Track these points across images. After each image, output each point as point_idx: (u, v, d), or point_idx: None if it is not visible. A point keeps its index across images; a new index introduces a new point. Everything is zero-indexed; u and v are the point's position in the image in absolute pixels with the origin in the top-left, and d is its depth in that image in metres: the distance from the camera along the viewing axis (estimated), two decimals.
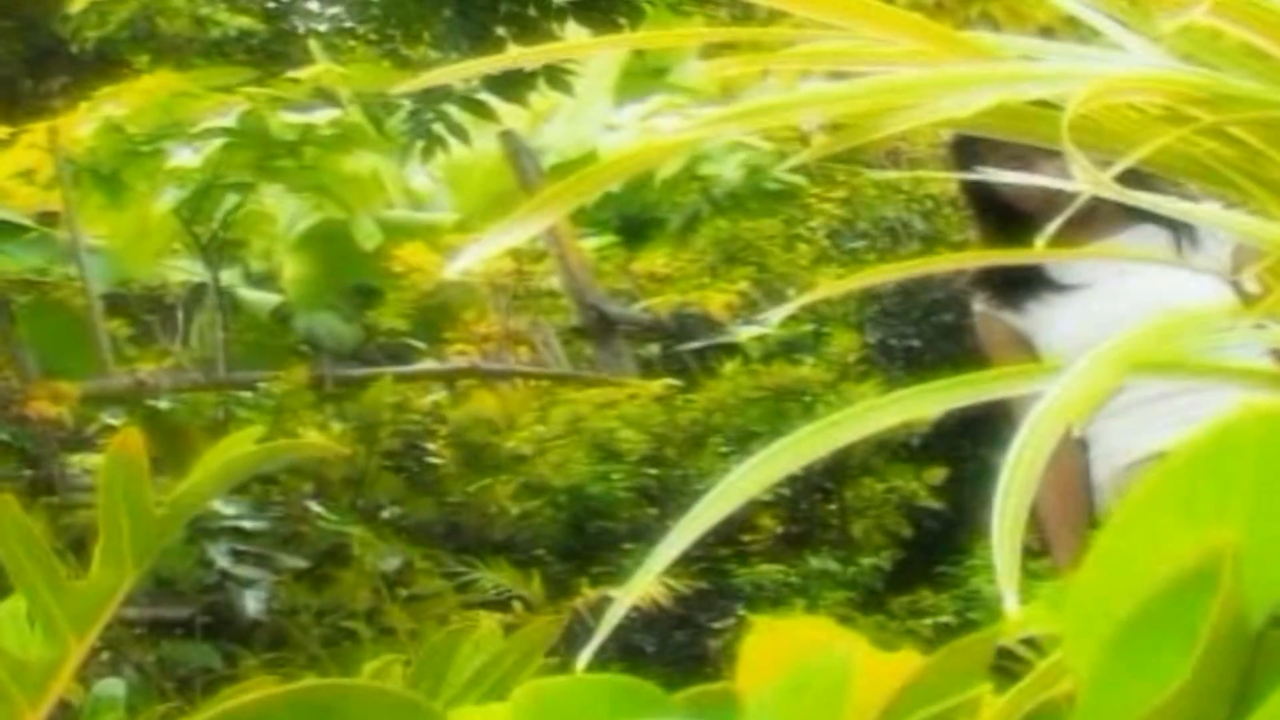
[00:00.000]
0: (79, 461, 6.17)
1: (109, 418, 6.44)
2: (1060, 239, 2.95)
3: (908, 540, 5.89)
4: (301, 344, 7.25)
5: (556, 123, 8.18)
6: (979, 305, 3.59)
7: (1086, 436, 3.42)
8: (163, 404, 6.33)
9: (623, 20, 5.73)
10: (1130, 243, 3.39)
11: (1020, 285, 3.46)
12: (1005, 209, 3.39)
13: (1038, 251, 2.39)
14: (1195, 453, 0.71)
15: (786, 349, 6.50)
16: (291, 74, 7.55)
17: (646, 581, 1.11)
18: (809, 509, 6.01)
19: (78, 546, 4.73)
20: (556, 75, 5.88)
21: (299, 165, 7.06)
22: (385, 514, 6.13)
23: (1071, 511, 3.43)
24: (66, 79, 7.19)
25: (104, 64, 7.19)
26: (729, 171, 7.88)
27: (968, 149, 3.30)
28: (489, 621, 2.68)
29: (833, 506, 6.05)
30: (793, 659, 0.80)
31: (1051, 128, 1.13)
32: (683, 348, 6.80)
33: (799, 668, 0.77)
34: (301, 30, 9.89)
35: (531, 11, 5.66)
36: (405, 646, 4.98)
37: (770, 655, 0.84)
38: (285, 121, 7.04)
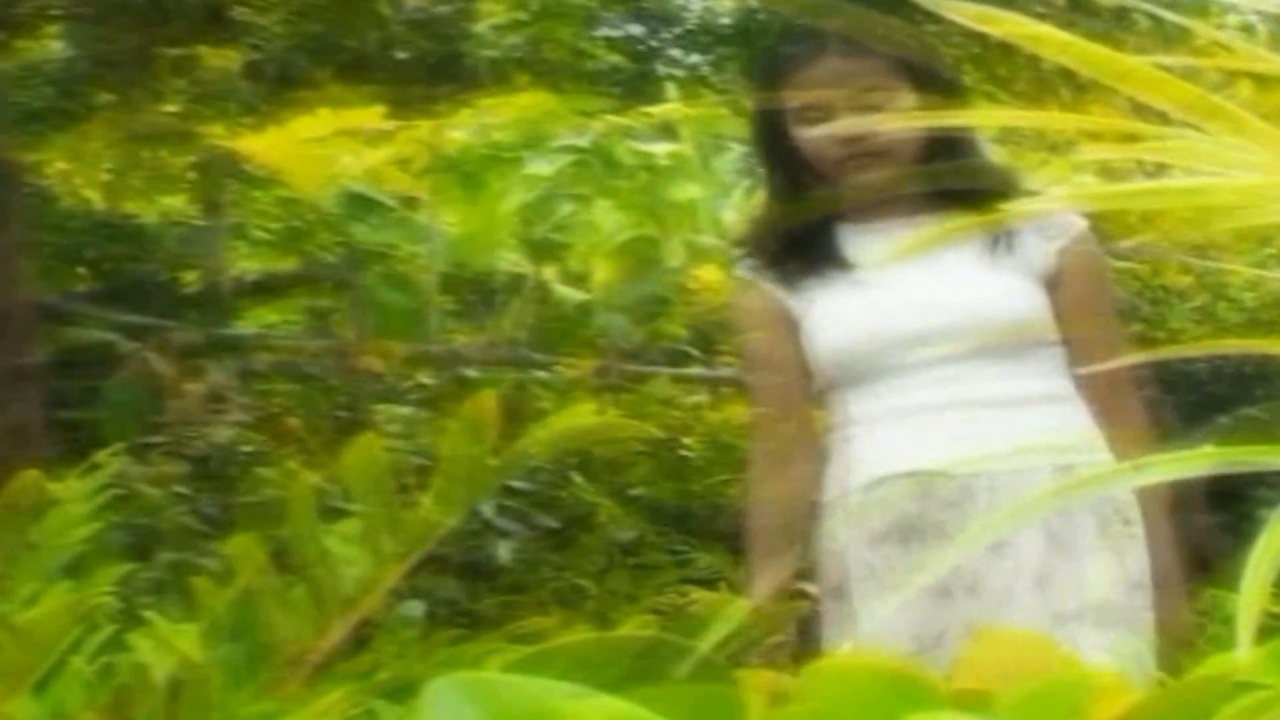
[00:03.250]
0: (385, 410, 6.65)
1: (422, 378, 6.94)
2: (864, 215, 2.73)
3: None
4: (596, 338, 7.60)
5: None
6: (743, 270, 2.85)
7: (828, 445, 2.76)
8: (470, 372, 6.84)
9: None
10: (940, 225, 2.66)
11: (803, 259, 2.78)
12: (802, 167, 2.75)
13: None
14: None
15: None
16: (645, 109, 7.97)
17: None
18: None
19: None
20: None
21: (632, 187, 7.69)
22: (632, 492, 6.52)
23: (777, 533, 2.74)
24: (454, 87, 7.69)
25: (489, 79, 7.69)
26: None
27: (771, 100, 2.78)
28: (724, 599, 2.97)
29: None
30: (1016, 668, 0.82)
31: None
32: None
33: (1046, 679, 0.76)
34: (661, 72, 10.36)
35: None
36: (624, 606, 5.50)
37: (991, 662, 0.85)
38: (631, 149, 7.70)
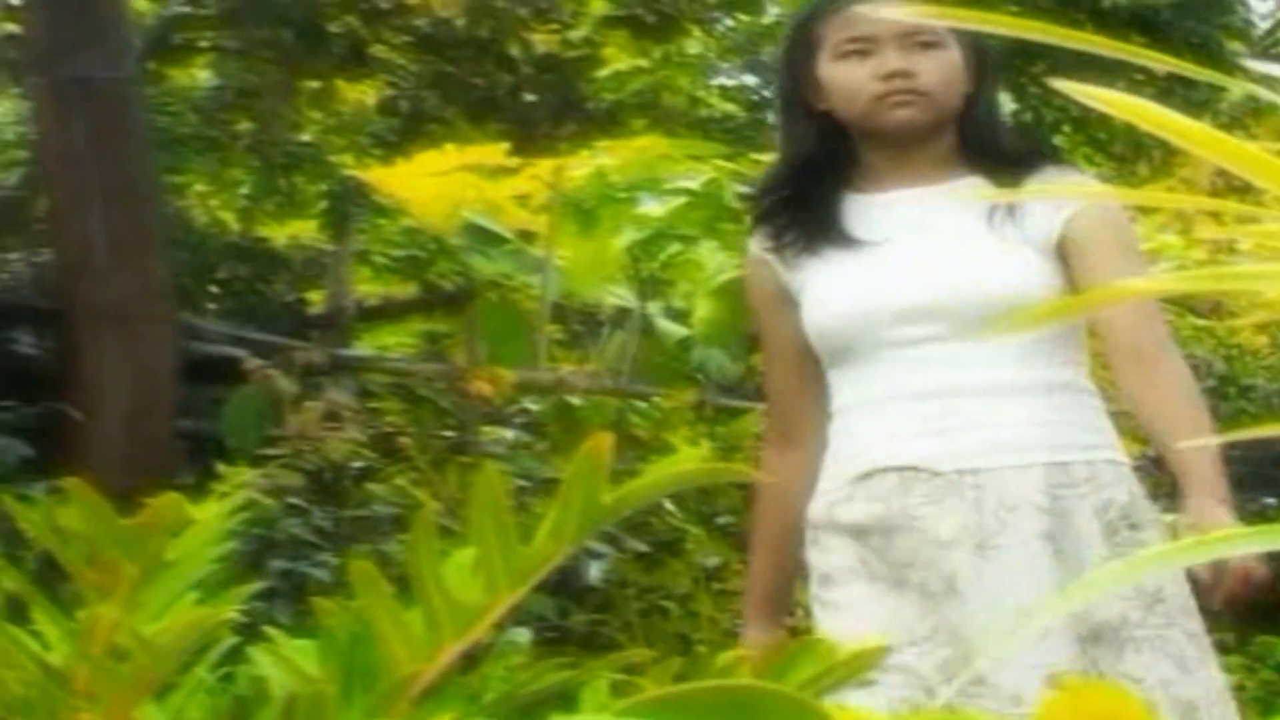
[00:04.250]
0: (491, 433, 6.65)
1: (528, 403, 6.92)
2: (881, 175, 2.49)
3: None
4: (694, 372, 7.62)
5: None
6: (754, 246, 2.63)
7: (827, 432, 2.56)
8: (574, 400, 6.76)
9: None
10: (950, 193, 2.51)
11: (806, 232, 2.54)
12: (823, 117, 2.51)
13: None
14: None
15: None
16: (754, 156, 8.14)
17: None
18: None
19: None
20: None
21: (738, 230, 7.70)
22: (719, 520, 6.44)
23: (774, 525, 2.61)
24: (576, 128, 7.76)
25: (609, 121, 7.75)
26: None
27: (803, 40, 2.55)
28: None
29: None
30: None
31: None
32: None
33: None
34: (772, 121, 10.32)
35: None
36: (708, 629, 5.51)
37: (1071, 713, 0.87)
38: (739, 193, 7.73)
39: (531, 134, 7.27)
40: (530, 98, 7.54)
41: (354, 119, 7.95)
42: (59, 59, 6.05)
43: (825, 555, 2.51)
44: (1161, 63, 0.98)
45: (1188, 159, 8.24)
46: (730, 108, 9.85)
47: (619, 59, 7.85)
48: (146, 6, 7.52)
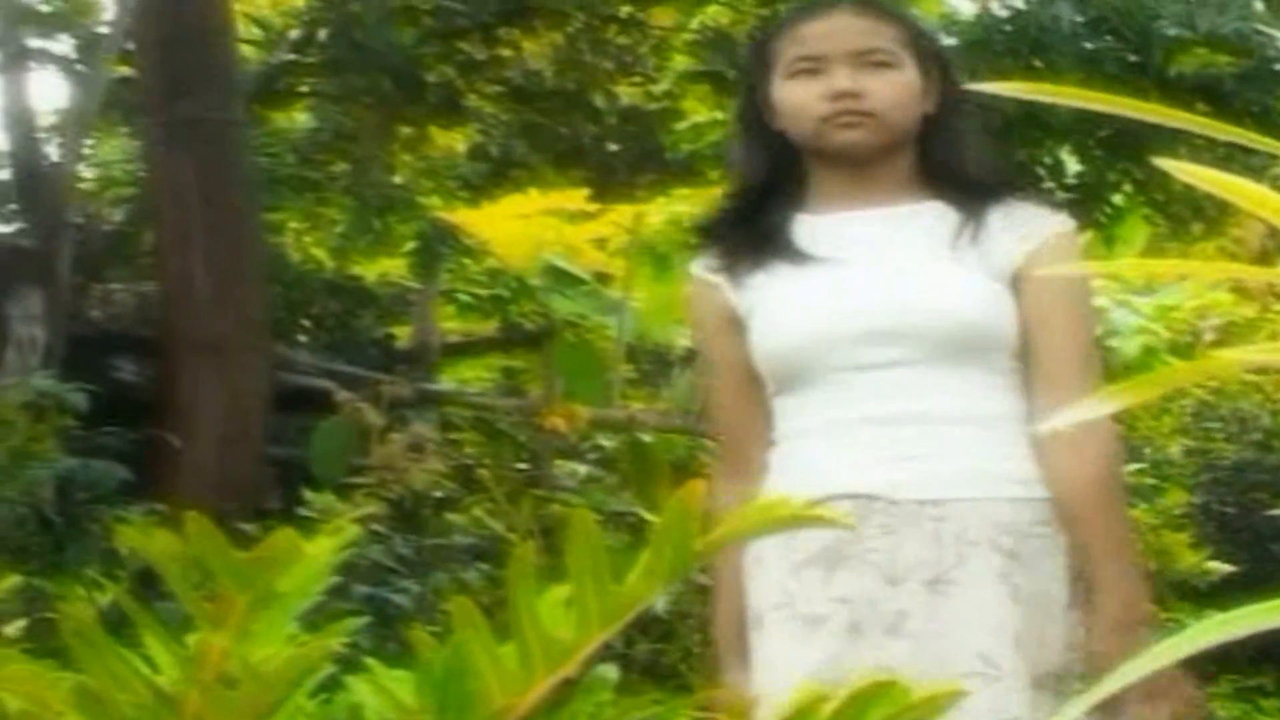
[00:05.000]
0: (564, 467, 6.67)
1: (601, 439, 6.93)
2: (835, 197, 2.28)
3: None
4: None
5: None
6: (699, 269, 2.40)
7: (768, 460, 2.33)
8: (645, 437, 6.68)
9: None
10: (910, 216, 2.31)
11: (756, 253, 2.32)
12: (779, 137, 2.32)
13: None
14: None
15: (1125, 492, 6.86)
16: None
17: None
18: None
19: (546, 532, 5.46)
20: None
21: None
22: None
23: (734, 563, 2.32)
24: (654, 176, 7.81)
25: (686, 171, 7.77)
26: (1130, 348, 8.43)
27: (760, 58, 2.38)
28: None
29: None
30: None
31: None
32: None
33: None
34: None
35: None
36: None
37: None
38: None
39: (611, 181, 7.31)
40: (612, 147, 7.57)
41: (443, 163, 8.01)
42: (170, 101, 6.12)
43: (754, 588, 2.30)
44: (1225, 132, 0.96)
45: (1240, 220, 8.18)
46: None
47: (698, 111, 7.88)
48: (253, 52, 7.61)
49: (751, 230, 2.34)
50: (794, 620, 2.20)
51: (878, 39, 2.30)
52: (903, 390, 2.23)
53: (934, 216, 2.30)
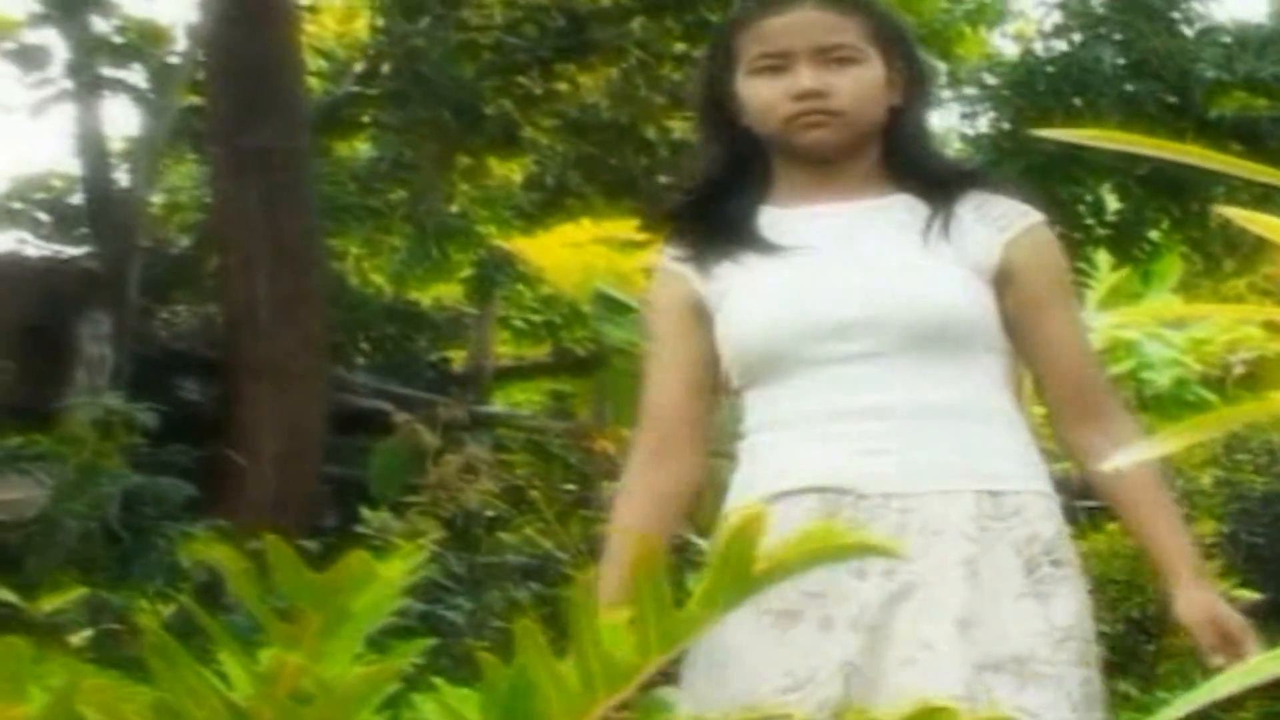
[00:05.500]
0: (612, 488, 6.72)
1: None
2: (802, 192, 2.20)
3: (1199, 686, 6.03)
4: None
5: None
6: (666, 258, 2.26)
7: (738, 453, 2.25)
8: None
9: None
10: (879, 209, 2.23)
11: (723, 245, 2.22)
12: (744, 131, 2.23)
13: None
14: None
15: None
16: None
17: None
18: (1132, 645, 6.26)
19: (594, 552, 5.43)
20: (1079, 286, 6.75)
21: None
22: None
23: (632, 540, 2.18)
24: None
25: None
26: (1163, 380, 8.44)
27: (722, 52, 2.27)
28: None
29: (1151, 647, 6.28)
30: None
31: None
32: (1080, 504, 7.18)
33: None
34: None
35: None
36: None
37: None
38: None
39: (662, 211, 7.30)
40: (663, 179, 7.59)
41: (500, 192, 8.04)
42: (238, 130, 6.17)
43: None
44: (1263, 174, 0.96)
45: (1272, 256, 8.17)
46: None
47: None
48: (318, 83, 7.66)
49: (718, 221, 2.23)
50: (765, 614, 2.10)
51: (842, 34, 2.20)
52: (873, 383, 2.14)
53: (904, 209, 2.21)
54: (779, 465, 2.14)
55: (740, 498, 2.17)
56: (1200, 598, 2.10)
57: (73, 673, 1.12)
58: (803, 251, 2.17)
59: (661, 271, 2.26)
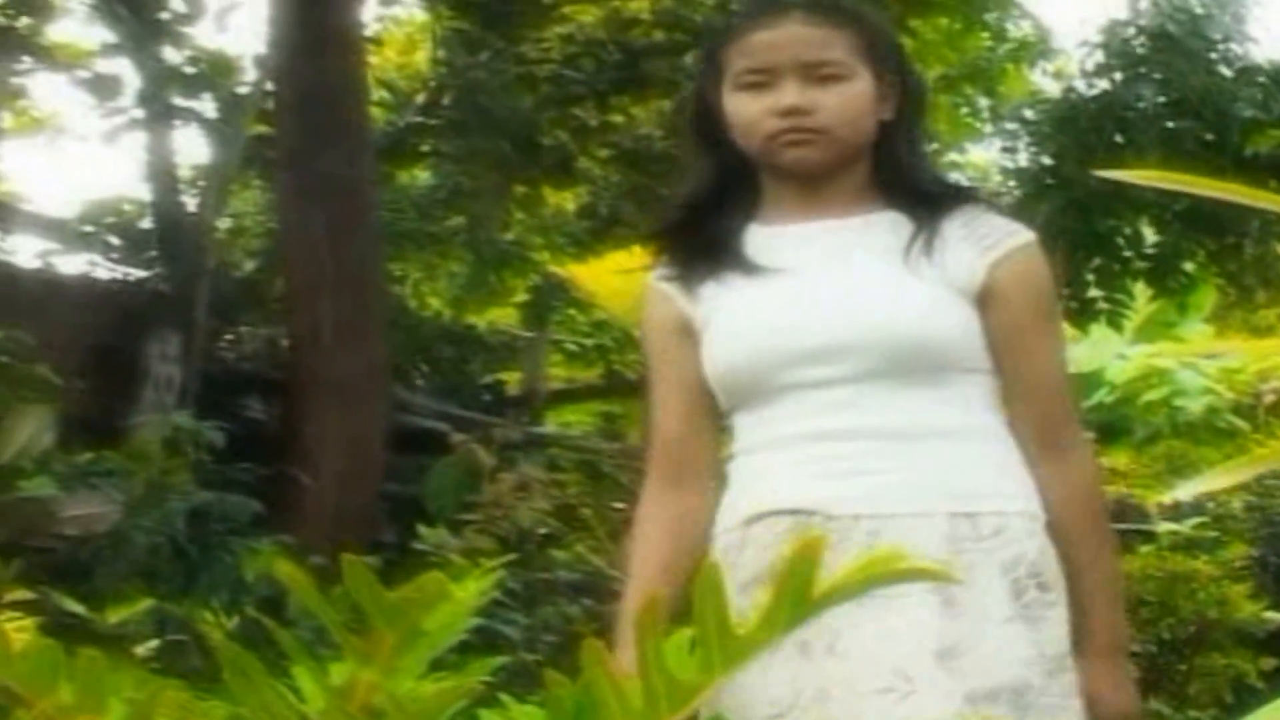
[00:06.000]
0: None
1: None
2: (788, 209, 2.13)
3: (1230, 705, 5.80)
4: None
5: (1083, 343, 8.76)
6: (654, 279, 2.21)
7: (724, 474, 2.17)
8: None
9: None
10: (864, 228, 2.14)
11: (705, 262, 2.15)
12: (729, 148, 2.15)
13: None
14: None
15: (1188, 545, 6.67)
16: None
17: None
18: (1164, 664, 6.20)
19: None
20: (1117, 316, 6.73)
21: None
22: None
23: (656, 567, 2.11)
24: None
25: None
26: (1195, 407, 8.38)
27: (710, 67, 2.19)
28: None
29: (1182, 667, 6.23)
30: None
31: None
32: (1115, 526, 7.15)
33: None
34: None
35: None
36: None
37: None
38: None
39: (650, 228, 7.33)
40: None
41: (555, 220, 8.07)
42: (305, 157, 6.20)
43: None
44: None
45: None
46: None
47: None
48: (380, 113, 7.70)
49: (704, 239, 2.16)
50: None
51: (829, 50, 2.11)
52: (850, 406, 2.06)
53: (888, 227, 2.12)
54: (758, 488, 2.08)
55: (723, 520, 2.11)
56: (1100, 672, 2.03)
57: (147, 685, 1.13)
58: (784, 274, 2.11)
59: (650, 290, 2.20)
